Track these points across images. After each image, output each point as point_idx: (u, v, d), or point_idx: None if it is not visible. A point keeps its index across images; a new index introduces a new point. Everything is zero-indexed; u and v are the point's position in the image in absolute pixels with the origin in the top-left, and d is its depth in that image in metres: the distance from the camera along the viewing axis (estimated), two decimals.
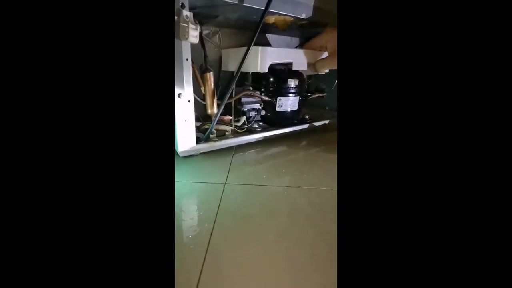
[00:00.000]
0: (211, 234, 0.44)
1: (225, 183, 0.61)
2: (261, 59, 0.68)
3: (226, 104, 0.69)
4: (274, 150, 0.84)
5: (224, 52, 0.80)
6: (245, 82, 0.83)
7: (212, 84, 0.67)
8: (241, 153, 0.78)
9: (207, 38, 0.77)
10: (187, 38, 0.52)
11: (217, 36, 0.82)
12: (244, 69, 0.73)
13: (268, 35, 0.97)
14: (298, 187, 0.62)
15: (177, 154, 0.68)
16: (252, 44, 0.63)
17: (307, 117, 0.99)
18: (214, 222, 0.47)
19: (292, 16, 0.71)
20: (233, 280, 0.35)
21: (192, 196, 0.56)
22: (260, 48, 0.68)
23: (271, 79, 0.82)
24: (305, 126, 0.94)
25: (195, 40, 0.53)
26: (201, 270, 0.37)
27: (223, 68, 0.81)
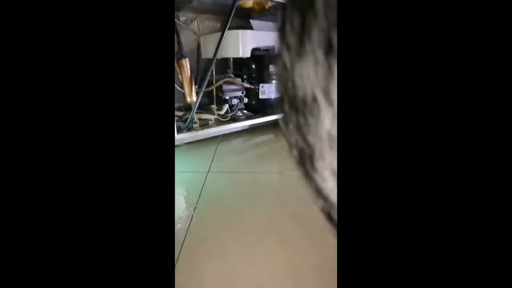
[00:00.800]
0: (190, 220, 0.44)
1: (208, 171, 0.61)
2: (243, 43, 0.66)
3: (208, 93, 0.68)
4: (261, 138, 0.83)
5: (203, 38, 0.78)
6: (227, 70, 0.82)
7: (189, 71, 0.66)
8: (226, 142, 0.77)
9: (184, 25, 0.75)
10: None
11: (195, 22, 0.79)
12: (225, 54, 0.72)
13: (252, 21, 0.94)
14: (280, 173, 0.62)
15: None
16: (228, 27, 0.62)
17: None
18: (194, 209, 0.47)
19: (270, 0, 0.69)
20: (209, 266, 0.35)
21: (175, 186, 0.56)
22: (240, 31, 0.66)
23: (253, 66, 0.80)
24: None
25: None
26: (178, 256, 0.37)
27: (202, 56, 0.79)
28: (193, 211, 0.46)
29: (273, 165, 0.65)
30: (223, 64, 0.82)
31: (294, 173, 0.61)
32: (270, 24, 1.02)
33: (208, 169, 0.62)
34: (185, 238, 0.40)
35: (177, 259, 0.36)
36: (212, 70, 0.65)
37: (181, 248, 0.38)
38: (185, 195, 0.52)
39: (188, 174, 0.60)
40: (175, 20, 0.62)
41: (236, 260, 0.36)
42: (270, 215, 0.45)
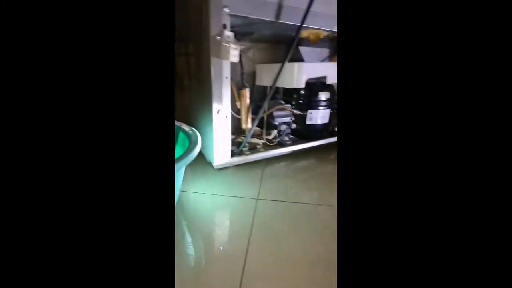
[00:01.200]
0: (247, 253, 0.44)
1: (258, 198, 0.62)
2: (298, 75, 0.68)
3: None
4: (303, 163, 0.83)
5: (258, 67, 0.82)
6: (276, 95, 0.84)
7: (248, 100, 0.69)
8: (271, 166, 0.78)
9: (242, 54, 0.80)
10: (228, 58, 0.54)
11: (251, 51, 0.84)
12: (279, 84, 0.74)
13: (300, 48, 0.97)
14: (330, 206, 0.60)
15: (212, 165, 0.70)
16: (287, 60, 0.64)
17: (336, 129, 0.97)
18: (249, 239, 0.48)
19: (325, 30, 0.71)
20: None
21: (227, 211, 0.57)
22: (296, 64, 0.68)
23: (302, 92, 0.81)
24: (335, 138, 0.93)
25: (236, 59, 0.55)
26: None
27: (257, 83, 0.83)
28: (247, 243, 0.47)
29: (320, 194, 0.64)
30: (274, 91, 0.84)
31: None
32: (317, 49, 1.04)
33: (257, 195, 0.63)
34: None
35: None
36: (267, 99, 0.68)
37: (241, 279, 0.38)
38: (237, 223, 0.53)
39: (238, 199, 0.62)
40: (240, 53, 0.66)
41: None
42: (329, 252, 0.44)
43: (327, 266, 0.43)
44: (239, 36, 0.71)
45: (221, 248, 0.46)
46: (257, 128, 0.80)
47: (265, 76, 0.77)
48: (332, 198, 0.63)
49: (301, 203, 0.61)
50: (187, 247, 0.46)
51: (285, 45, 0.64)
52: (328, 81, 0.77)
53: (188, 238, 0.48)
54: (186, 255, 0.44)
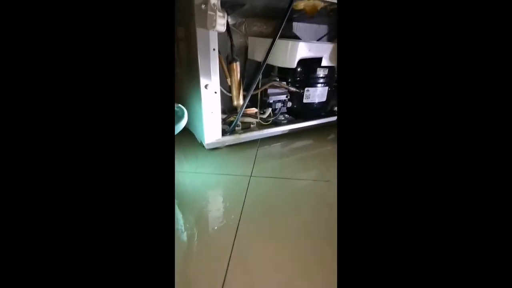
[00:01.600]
0: (238, 226, 0.43)
1: (251, 175, 0.60)
2: (290, 54, 0.65)
3: (251, 96, 0.68)
4: (300, 143, 0.81)
5: (251, 41, 0.78)
6: (271, 73, 0.81)
7: (239, 75, 0.66)
8: (266, 146, 0.76)
9: (233, 28, 0.76)
10: (214, 27, 0.51)
11: (243, 25, 0.80)
12: (270, 62, 0.71)
13: (294, 24, 0.92)
14: (327, 181, 0.59)
15: (203, 146, 0.68)
16: (278, 37, 0.60)
17: (335, 108, 0.94)
18: (241, 214, 0.47)
19: (322, 1, 0.67)
20: (259, 277, 0.34)
21: (219, 188, 0.56)
22: (290, 42, 0.65)
23: (299, 69, 0.78)
24: (334, 118, 0.90)
25: (223, 28, 0.52)
26: (228, 265, 0.36)
27: (249, 57, 0.80)
28: (239, 218, 0.46)
29: (317, 172, 0.63)
30: (268, 67, 0.81)
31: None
32: (314, 26, 0.99)
33: (250, 173, 0.61)
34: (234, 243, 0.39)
35: (228, 261, 0.36)
36: (260, 75, 0.65)
37: (231, 253, 0.37)
38: (229, 200, 0.52)
39: (231, 177, 0.60)
40: (229, 24, 0.62)
41: (288, 268, 0.34)
42: (323, 225, 0.43)
43: (322, 237, 0.41)
44: (229, 9, 0.67)
45: (212, 223, 0.45)
46: (253, 110, 0.77)
47: (257, 51, 0.74)
48: (329, 174, 0.61)
49: (296, 179, 0.60)
50: (177, 223, 0.45)
51: (278, 19, 0.60)
52: (324, 63, 0.73)
53: (179, 215, 0.47)
54: (176, 231, 0.43)
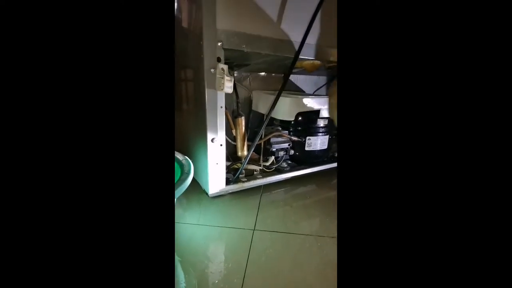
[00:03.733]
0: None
1: (254, 229, 0.59)
2: (290, 109, 0.71)
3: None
4: (303, 189, 0.81)
5: (255, 94, 0.84)
6: (274, 122, 0.85)
7: (243, 128, 0.69)
8: (269, 192, 0.76)
9: (238, 83, 0.82)
10: (222, 89, 0.55)
11: (248, 79, 0.87)
12: (273, 115, 0.76)
13: (295, 76, 1.00)
14: (332, 237, 0.57)
15: (207, 194, 0.68)
16: (281, 92, 0.66)
17: (336, 154, 0.96)
18: (243, 279, 0.45)
19: (320, 60, 0.73)
20: None
21: (221, 244, 0.55)
22: (288, 99, 0.71)
23: (300, 120, 0.82)
24: (335, 164, 0.91)
25: (230, 90, 0.56)
26: None
27: (253, 108, 0.84)
28: (242, 282, 0.44)
29: (322, 224, 0.61)
30: (271, 117, 0.86)
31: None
32: (314, 77, 1.07)
33: (254, 226, 0.60)
34: None
35: None
36: (263, 127, 0.68)
37: None
38: (232, 260, 0.50)
39: (234, 230, 0.59)
40: (235, 82, 0.68)
41: None
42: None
43: None
44: (235, 67, 0.74)
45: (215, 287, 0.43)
46: (254, 153, 0.79)
47: (261, 104, 0.79)
48: (333, 226, 0.60)
49: (300, 234, 0.58)
50: (179, 285, 0.43)
51: (281, 74, 0.66)
52: (322, 115, 0.79)
53: (180, 275, 0.45)
54: None
